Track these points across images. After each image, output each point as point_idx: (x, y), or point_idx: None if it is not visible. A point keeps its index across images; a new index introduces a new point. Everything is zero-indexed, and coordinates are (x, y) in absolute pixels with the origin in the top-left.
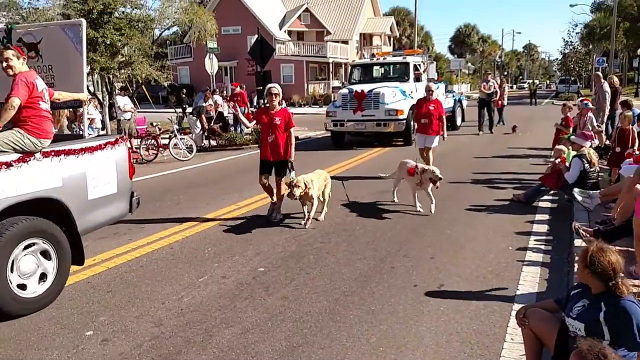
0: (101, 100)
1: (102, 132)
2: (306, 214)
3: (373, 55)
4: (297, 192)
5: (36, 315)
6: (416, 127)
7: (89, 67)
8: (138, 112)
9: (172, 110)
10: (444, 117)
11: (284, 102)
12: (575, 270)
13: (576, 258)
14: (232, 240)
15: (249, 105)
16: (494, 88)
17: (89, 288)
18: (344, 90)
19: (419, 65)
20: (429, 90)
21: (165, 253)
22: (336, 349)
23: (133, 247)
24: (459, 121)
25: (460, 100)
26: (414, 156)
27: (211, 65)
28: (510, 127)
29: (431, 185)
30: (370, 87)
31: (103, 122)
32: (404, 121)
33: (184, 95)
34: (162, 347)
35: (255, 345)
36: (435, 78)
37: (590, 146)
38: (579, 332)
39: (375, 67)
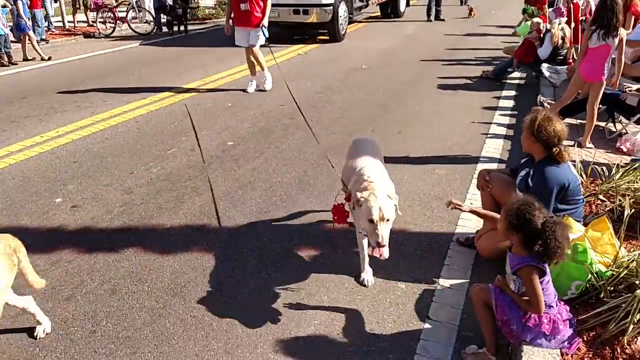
0: None
1: (55, 5)
2: None
3: None
4: None
5: (1, 184)
6: (233, 16)
7: None
8: None
9: None
10: None
11: None
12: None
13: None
14: (199, 115)
15: None
16: None
17: (54, 159)
18: None
19: None
20: None
21: (130, 126)
22: (305, 213)
23: (96, 120)
24: (402, 5)
25: None
26: (350, 58)
27: None
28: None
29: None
30: None
31: None
32: (330, 7)
33: None
34: (133, 212)
35: (227, 211)
36: None
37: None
38: None
39: None
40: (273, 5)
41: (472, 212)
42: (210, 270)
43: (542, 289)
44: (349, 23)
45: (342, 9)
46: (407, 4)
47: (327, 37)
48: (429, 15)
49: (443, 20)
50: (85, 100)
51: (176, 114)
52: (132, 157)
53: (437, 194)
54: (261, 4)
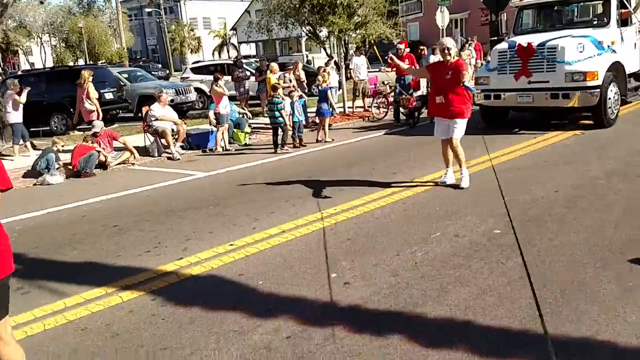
0: (338, 62)
1: (338, 92)
2: None
3: None
4: None
5: (289, 255)
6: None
7: (327, 30)
8: (370, 72)
9: None
10: (470, 86)
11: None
12: None
13: None
14: (464, 200)
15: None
16: None
17: (332, 234)
18: (503, 45)
19: (627, 0)
20: (443, 49)
21: (398, 208)
22: (586, 323)
23: (367, 201)
24: None
25: None
26: (633, 140)
27: (442, 18)
28: None
29: None
30: (544, 37)
31: (340, 82)
32: (597, 90)
33: None
34: (399, 296)
35: (493, 309)
36: None
37: None
38: None
39: (556, 8)
40: (527, 90)
41: None
42: None
43: None
44: (622, 104)
45: (613, 91)
46: None
47: (591, 122)
48: None
49: None
50: (359, 180)
51: (441, 197)
52: (398, 238)
53: None
54: (462, 93)
